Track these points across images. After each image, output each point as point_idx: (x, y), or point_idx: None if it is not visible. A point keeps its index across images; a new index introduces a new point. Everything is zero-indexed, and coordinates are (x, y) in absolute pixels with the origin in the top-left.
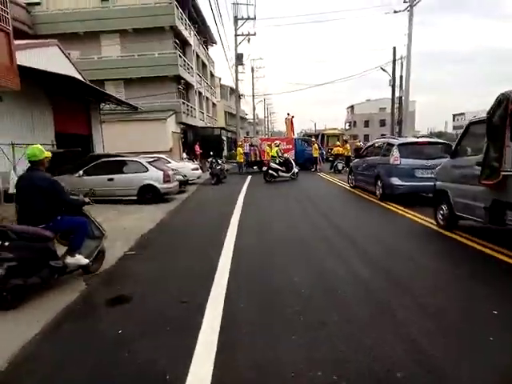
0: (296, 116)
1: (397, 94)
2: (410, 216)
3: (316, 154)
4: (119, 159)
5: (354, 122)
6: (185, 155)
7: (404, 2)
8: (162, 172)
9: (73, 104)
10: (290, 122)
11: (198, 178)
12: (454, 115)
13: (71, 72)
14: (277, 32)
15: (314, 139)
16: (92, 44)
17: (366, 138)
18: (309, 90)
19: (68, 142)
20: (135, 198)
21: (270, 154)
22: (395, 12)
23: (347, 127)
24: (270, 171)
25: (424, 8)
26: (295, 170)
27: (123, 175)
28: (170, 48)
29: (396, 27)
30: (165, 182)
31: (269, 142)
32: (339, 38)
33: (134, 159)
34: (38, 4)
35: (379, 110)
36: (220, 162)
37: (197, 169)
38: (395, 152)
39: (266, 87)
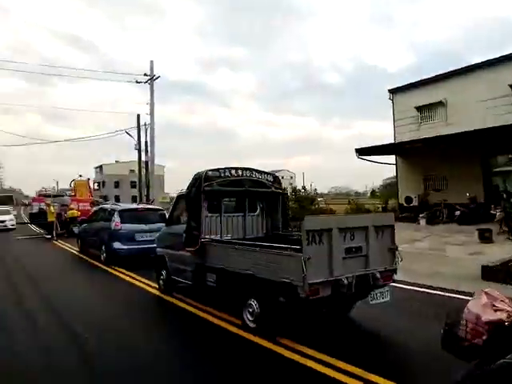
0: (36, 172)
1: (144, 158)
2: (131, 280)
3: (52, 218)
4: None
5: (103, 183)
6: None
7: (145, 75)
8: None
9: None
10: (85, 184)
11: None
12: None
13: None
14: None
15: (49, 201)
16: None
17: (117, 198)
18: (53, 144)
19: None
20: None
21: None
22: (137, 82)
23: (96, 187)
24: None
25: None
26: None
27: None
28: None
29: (140, 96)
30: None
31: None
32: (82, 96)
33: None
34: None
35: (129, 171)
36: None
37: None
38: (116, 218)
39: None
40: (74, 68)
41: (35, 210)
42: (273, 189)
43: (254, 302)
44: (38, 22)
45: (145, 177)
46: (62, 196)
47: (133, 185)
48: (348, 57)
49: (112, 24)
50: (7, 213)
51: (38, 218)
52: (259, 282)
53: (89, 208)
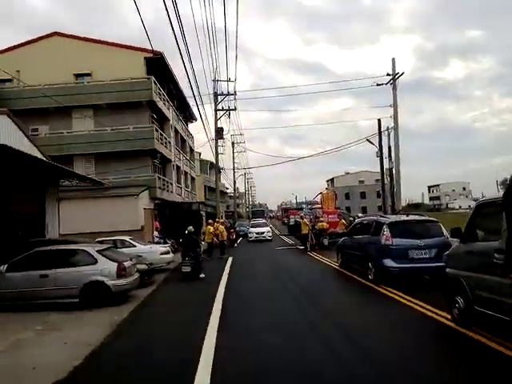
0: (276, 189)
1: (386, 166)
2: (413, 306)
3: (306, 230)
4: (59, 248)
5: (335, 195)
6: (157, 234)
7: (387, 74)
8: (115, 264)
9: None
10: (332, 196)
11: (169, 263)
12: (430, 187)
13: (23, 145)
14: (257, 104)
15: (302, 214)
16: (63, 118)
17: (348, 209)
18: (288, 163)
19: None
20: (77, 300)
21: (318, 227)
22: (378, 85)
23: None
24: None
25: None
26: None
27: (61, 270)
28: (146, 122)
29: (378, 101)
30: (119, 276)
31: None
32: (317, 111)
33: (80, 247)
34: (9, 81)
35: (358, 182)
36: (196, 241)
37: (167, 252)
38: (386, 231)
39: (247, 161)
40: (300, 84)
41: (292, 222)
42: None
43: None
44: (273, 56)
45: (389, 185)
46: (301, 209)
47: (362, 195)
48: None
49: (335, 41)
50: (265, 225)
51: (295, 230)
52: None
53: (337, 220)
